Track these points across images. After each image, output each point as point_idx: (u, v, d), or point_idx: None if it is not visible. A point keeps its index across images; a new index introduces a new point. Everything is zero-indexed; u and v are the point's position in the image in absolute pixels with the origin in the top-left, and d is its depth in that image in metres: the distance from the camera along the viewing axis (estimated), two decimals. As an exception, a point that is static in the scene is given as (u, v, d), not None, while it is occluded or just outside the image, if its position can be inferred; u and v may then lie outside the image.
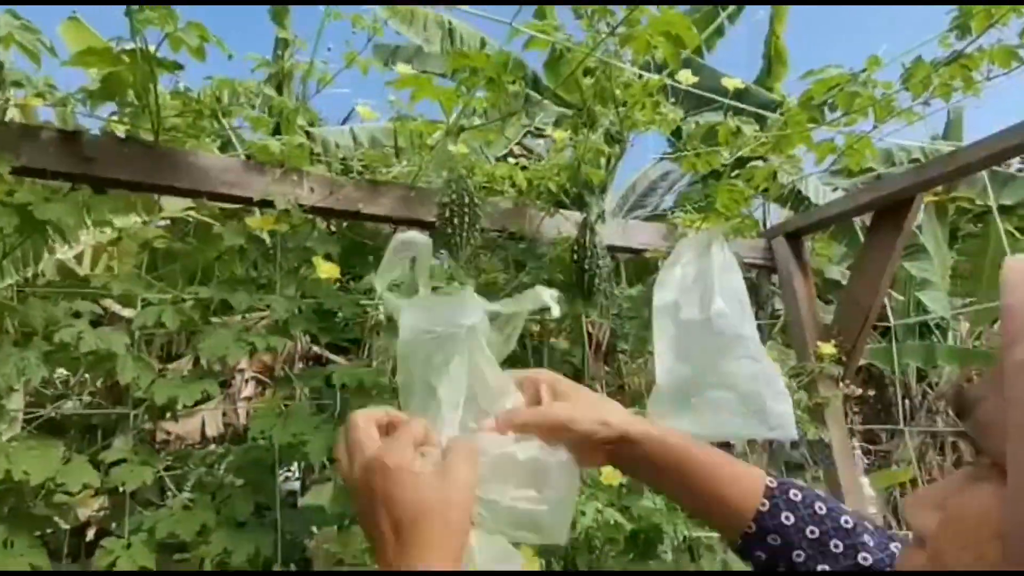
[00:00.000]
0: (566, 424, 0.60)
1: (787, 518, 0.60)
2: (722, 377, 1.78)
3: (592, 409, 0.62)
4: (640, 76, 1.51)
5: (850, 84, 1.57)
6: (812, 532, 0.59)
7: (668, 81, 1.57)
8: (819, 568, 0.57)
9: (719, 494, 0.62)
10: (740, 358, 1.80)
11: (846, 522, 0.59)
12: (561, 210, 1.96)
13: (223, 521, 1.57)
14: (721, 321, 1.78)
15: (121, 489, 1.49)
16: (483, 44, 5.24)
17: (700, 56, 5.37)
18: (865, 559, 0.55)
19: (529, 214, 1.96)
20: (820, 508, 0.60)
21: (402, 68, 1.72)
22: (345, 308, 1.78)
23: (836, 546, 0.57)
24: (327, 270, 1.68)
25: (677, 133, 2.64)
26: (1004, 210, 5.68)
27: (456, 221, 1.49)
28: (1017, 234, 5.79)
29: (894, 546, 0.57)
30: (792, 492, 0.62)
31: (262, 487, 1.68)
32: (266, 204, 1.75)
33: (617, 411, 0.64)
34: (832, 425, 2.23)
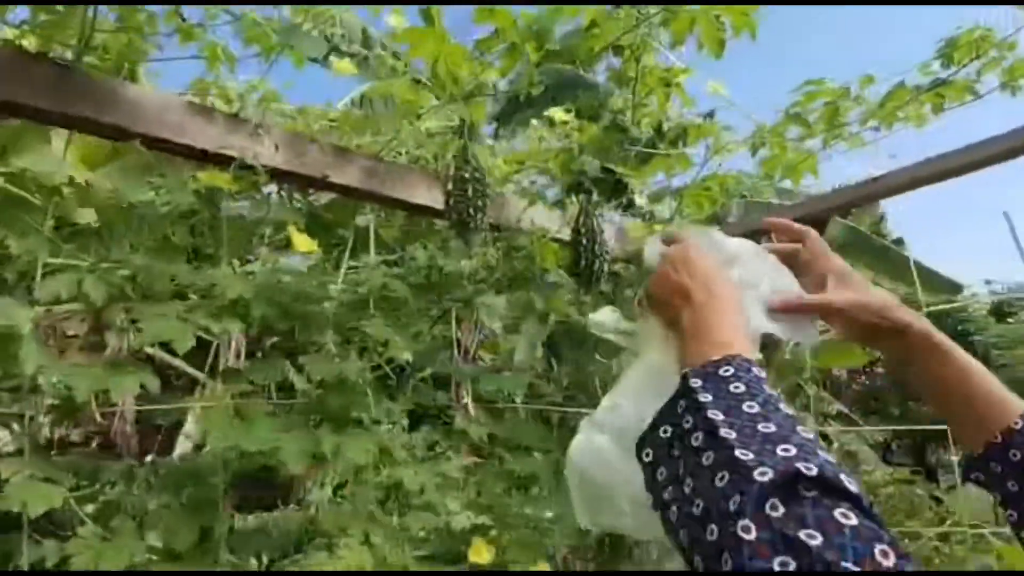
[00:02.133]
0: (849, 314, 0.69)
1: None
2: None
3: (872, 300, 0.70)
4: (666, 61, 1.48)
5: (843, 99, 1.69)
6: None
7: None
8: None
9: (970, 400, 0.65)
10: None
11: None
12: (539, 202, 1.87)
13: (158, 552, 1.23)
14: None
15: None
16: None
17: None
18: None
19: (509, 203, 1.83)
20: None
21: (397, 20, 1.52)
22: (311, 292, 1.51)
23: None
24: (303, 243, 1.41)
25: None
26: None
27: (480, 203, 1.32)
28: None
29: None
30: None
31: (205, 509, 1.34)
32: (218, 159, 1.43)
33: (893, 304, 0.71)
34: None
